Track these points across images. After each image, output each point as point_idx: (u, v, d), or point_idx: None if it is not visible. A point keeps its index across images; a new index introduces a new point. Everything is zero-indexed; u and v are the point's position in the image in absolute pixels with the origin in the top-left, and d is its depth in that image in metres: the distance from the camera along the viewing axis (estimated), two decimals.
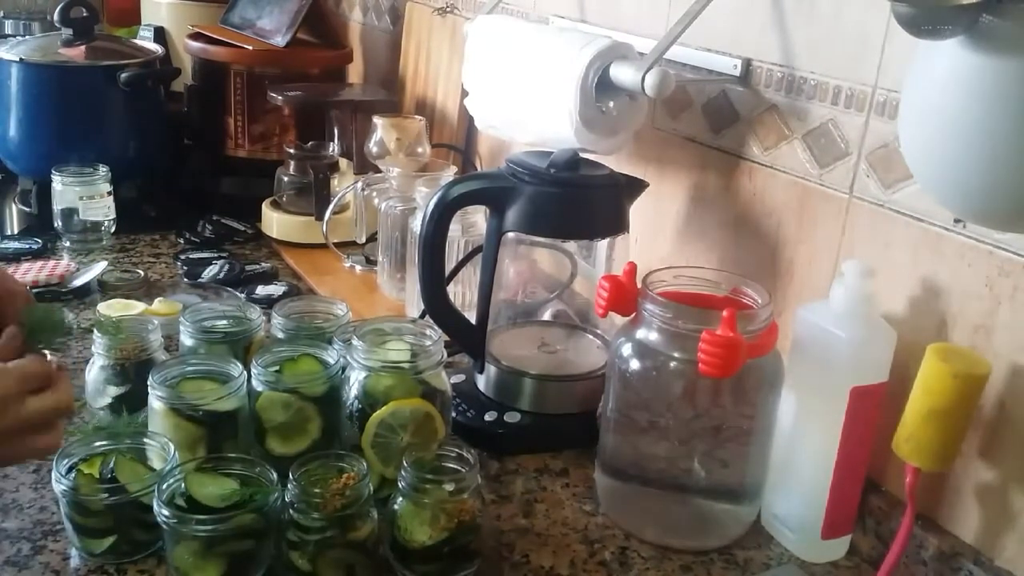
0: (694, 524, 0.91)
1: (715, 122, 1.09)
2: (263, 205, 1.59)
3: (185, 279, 1.41)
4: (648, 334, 0.88)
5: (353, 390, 0.90)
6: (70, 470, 0.82)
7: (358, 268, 1.48)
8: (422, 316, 1.09)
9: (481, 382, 1.10)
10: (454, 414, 1.02)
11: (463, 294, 1.26)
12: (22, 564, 0.81)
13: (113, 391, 0.98)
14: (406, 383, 0.90)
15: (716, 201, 1.09)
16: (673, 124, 1.15)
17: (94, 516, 0.81)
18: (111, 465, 0.82)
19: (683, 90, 1.12)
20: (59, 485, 0.80)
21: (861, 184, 0.91)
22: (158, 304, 1.23)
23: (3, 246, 1.46)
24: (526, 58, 1.14)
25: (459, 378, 1.10)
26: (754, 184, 1.04)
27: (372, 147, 1.43)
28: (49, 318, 0.78)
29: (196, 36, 1.76)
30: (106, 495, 0.80)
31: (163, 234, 1.59)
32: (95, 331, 0.98)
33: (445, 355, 0.93)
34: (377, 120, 1.43)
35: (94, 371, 0.98)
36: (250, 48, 1.69)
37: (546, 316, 1.19)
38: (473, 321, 1.08)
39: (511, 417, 1.05)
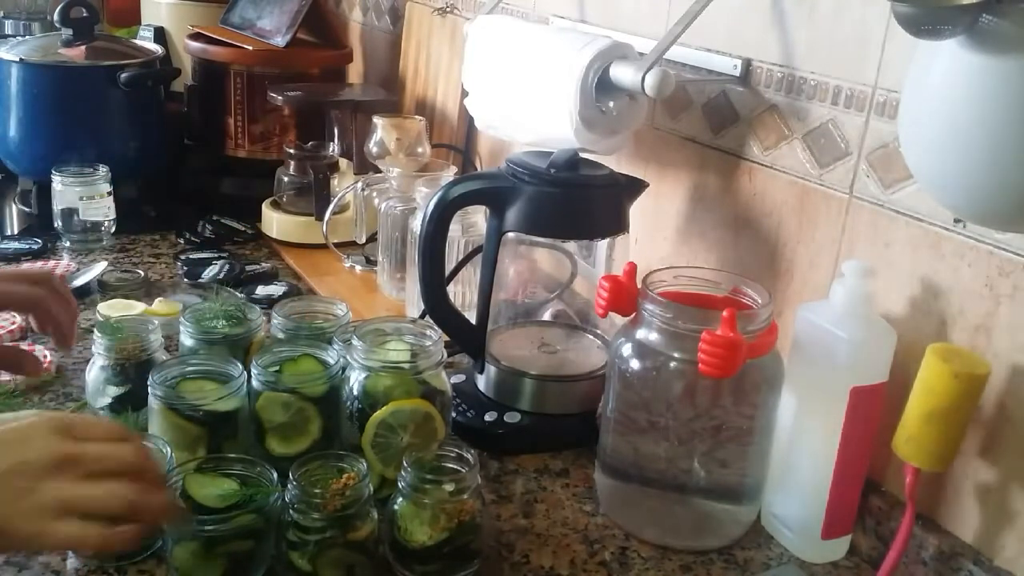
0: (694, 524, 0.91)
1: (715, 122, 1.09)
2: (263, 205, 1.59)
3: (185, 279, 1.41)
4: (648, 334, 0.88)
5: (353, 390, 0.90)
6: None
7: (358, 268, 1.48)
8: (422, 316, 1.09)
9: (481, 382, 1.10)
10: (454, 414, 1.02)
11: (463, 294, 1.26)
12: (22, 564, 0.81)
13: (113, 391, 0.97)
14: (406, 383, 0.90)
15: (716, 201, 1.09)
16: (673, 124, 1.15)
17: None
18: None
19: (683, 90, 1.12)
20: None
21: (861, 184, 0.91)
22: (158, 304, 1.24)
23: (3, 246, 1.46)
24: (526, 58, 1.14)
25: (459, 378, 1.10)
26: (754, 184, 1.04)
27: (372, 147, 1.43)
28: None
29: (196, 36, 1.75)
30: None
31: (163, 234, 1.59)
32: (95, 331, 0.97)
33: (445, 355, 0.93)
34: (377, 120, 1.43)
35: (94, 371, 0.98)
36: (250, 48, 1.69)
37: (546, 316, 1.19)
38: (473, 321, 1.08)
39: (511, 417, 1.05)
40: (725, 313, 0.80)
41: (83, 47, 1.60)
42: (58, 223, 1.51)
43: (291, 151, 1.57)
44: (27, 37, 1.88)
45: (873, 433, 0.85)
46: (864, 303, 0.83)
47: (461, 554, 0.82)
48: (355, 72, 1.94)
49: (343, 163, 1.59)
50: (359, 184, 1.44)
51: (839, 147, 0.93)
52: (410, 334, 0.96)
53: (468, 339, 1.08)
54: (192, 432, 0.87)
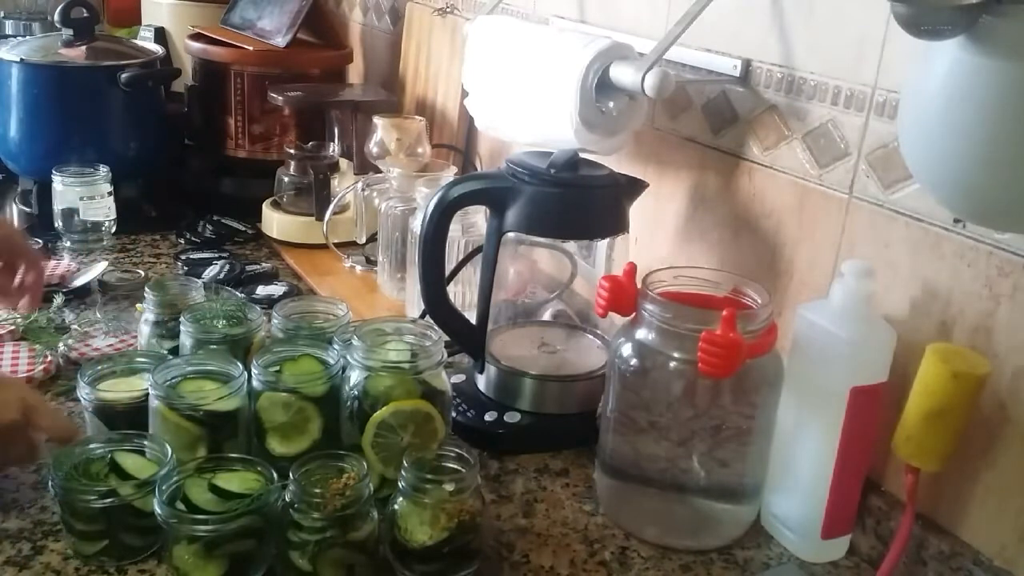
0: (694, 524, 0.91)
1: (715, 122, 1.09)
2: (263, 205, 1.59)
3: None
4: (648, 334, 0.88)
5: (353, 390, 0.90)
6: (73, 469, 0.82)
7: (358, 268, 1.48)
8: (422, 316, 1.09)
9: (481, 382, 1.10)
10: (454, 414, 1.02)
11: (463, 294, 1.26)
12: (23, 564, 0.81)
13: (167, 344, 1.04)
14: (406, 383, 0.90)
15: (716, 201, 1.09)
16: (673, 124, 1.15)
17: (87, 518, 0.81)
18: (108, 458, 0.83)
19: (683, 90, 1.12)
20: (53, 485, 0.81)
21: (861, 184, 0.91)
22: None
23: None
24: (526, 59, 1.14)
25: (459, 378, 1.10)
26: (754, 184, 1.04)
27: (372, 147, 1.44)
28: None
29: (196, 37, 1.76)
30: (97, 497, 0.80)
31: (163, 234, 1.59)
32: (147, 290, 1.06)
33: (445, 355, 0.93)
34: (377, 120, 1.43)
35: (147, 329, 1.06)
36: (250, 49, 1.69)
37: (546, 316, 1.20)
38: (473, 321, 1.08)
39: (511, 417, 1.05)
40: (725, 313, 0.80)
41: (83, 47, 1.61)
42: (58, 223, 1.51)
43: (291, 151, 1.57)
44: (27, 37, 1.88)
45: (873, 433, 0.86)
46: (864, 303, 0.84)
47: (461, 554, 0.82)
48: (355, 72, 1.94)
49: (343, 163, 1.59)
50: (359, 184, 1.44)
51: (839, 147, 0.93)
52: (410, 334, 0.96)
53: (468, 339, 1.09)
54: (192, 432, 0.87)
